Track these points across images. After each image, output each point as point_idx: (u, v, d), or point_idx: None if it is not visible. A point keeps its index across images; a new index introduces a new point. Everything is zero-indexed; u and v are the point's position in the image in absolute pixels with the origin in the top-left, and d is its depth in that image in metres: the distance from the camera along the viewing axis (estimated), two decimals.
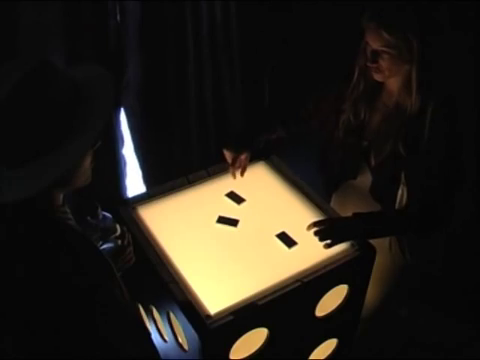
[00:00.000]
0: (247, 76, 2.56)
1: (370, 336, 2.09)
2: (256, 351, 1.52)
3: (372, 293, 1.82)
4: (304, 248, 1.63)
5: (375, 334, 2.13)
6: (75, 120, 1.09)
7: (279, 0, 2.47)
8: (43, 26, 1.90)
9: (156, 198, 1.79)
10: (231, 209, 1.76)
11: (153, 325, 1.73)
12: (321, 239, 1.59)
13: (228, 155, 1.85)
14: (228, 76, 2.50)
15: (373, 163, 1.77)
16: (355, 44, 1.68)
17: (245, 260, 1.60)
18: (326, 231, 1.60)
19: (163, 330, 1.68)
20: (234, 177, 1.87)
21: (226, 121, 2.61)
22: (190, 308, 1.42)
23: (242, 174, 1.89)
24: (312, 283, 1.51)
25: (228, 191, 1.82)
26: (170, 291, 1.46)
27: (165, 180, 1.86)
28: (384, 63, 1.59)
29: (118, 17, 2.09)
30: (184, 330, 1.45)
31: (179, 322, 1.47)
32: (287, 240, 1.65)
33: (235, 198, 1.80)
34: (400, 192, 1.72)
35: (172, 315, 1.52)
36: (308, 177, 1.90)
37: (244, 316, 1.42)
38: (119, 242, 1.44)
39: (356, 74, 1.72)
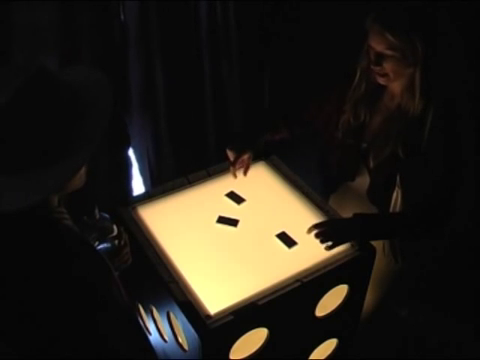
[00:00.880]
0: (247, 76, 2.56)
1: (370, 336, 2.09)
2: (256, 351, 1.52)
3: (371, 293, 1.82)
4: (304, 248, 1.63)
5: (375, 334, 2.13)
6: (74, 130, 1.09)
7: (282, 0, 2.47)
8: (42, 27, 1.90)
9: (156, 198, 1.79)
10: (231, 209, 1.76)
11: (153, 325, 1.73)
12: (322, 241, 1.59)
13: (231, 155, 1.85)
14: (228, 76, 2.50)
15: (371, 165, 1.77)
16: (357, 44, 1.68)
17: (245, 260, 1.60)
18: (326, 233, 1.60)
19: (163, 330, 1.68)
20: (235, 177, 1.87)
21: (227, 121, 2.61)
22: (190, 308, 1.42)
23: (245, 173, 1.88)
24: (312, 283, 1.51)
25: (228, 191, 1.82)
26: (170, 291, 1.46)
27: (167, 180, 1.87)
28: (388, 66, 1.58)
29: (122, 17, 2.09)
30: (184, 330, 1.45)
31: (179, 322, 1.47)
32: (287, 240, 1.65)
33: (235, 198, 1.80)
34: (395, 195, 1.72)
35: (172, 315, 1.52)
36: (308, 177, 1.90)
37: (244, 316, 1.42)
38: (116, 242, 1.44)
39: (358, 76, 1.71)
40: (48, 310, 1.08)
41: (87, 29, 1.99)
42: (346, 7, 2.34)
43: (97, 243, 1.41)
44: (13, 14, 1.83)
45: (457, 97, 1.71)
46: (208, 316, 1.41)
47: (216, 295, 1.48)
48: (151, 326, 1.76)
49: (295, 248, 1.63)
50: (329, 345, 1.80)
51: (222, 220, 1.71)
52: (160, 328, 1.70)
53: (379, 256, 1.77)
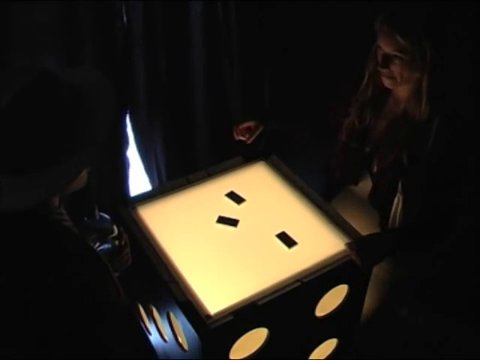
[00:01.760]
0: (248, 76, 2.56)
1: (370, 336, 2.09)
2: (256, 351, 1.52)
3: (372, 293, 1.82)
4: (304, 248, 1.63)
5: (375, 334, 2.13)
6: (77, 131, 1.09)
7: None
8: (44, 27, 1.90)
9: (156, 198, 1.79)
10: (231, 209, 1.76)
11: (153, 325, 1.73)
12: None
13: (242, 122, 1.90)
14: (229, 76, 2.51)
15: (375, 170, 1.75)
16: (359, 45, 1.66)
17: (245, 260, 1.60)
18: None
19: (163, 330, 1.68)
20: (236, 138, 1.92)
21: (227, 121, 2.61)
22: (190, 308, 1.42)
23: (248, 141, 1.91)
24: (312, 283, 1.51)
25: (228, 191, 1.82)
26: (170, 291, 1.46)
27: (169, 180, 1.87)
28: (395, 68, 1.55)
29: (125, 17, 2.09)
30: (184, 330, 1.45)
31: (179, 322, 1.47)
32: (287, 240, 1.65)
33: (235, 198, 1.80)
34: (396, 200, 1.71)
35: (172, 315, 1.52)
36: (309, 178, 1.90)
37: (244, 316, 1.42)
38: (116, 243, 1.44)
39: (366, 78, 1.69)
40: (44, 311, 1.08)
41: (90, 29, 1.99)
42: (346, 7, 2.35)
43: (97, 244, 1.41)
44: (14, 14, 1.83)
45: (463, 104, 1.69)
46: (208, 316, 1.41)
47: (216, 295, 1.48)
48: (151, 326, 1.76)
49: (295, 248, 1.63)
50: (329, 345, 1.80)
51: (222, 220, 1.71)
52: (160, 328, 1.70)
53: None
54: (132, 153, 2.41)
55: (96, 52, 2.05)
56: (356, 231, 1.67)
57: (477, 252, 2.59)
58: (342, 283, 1.62)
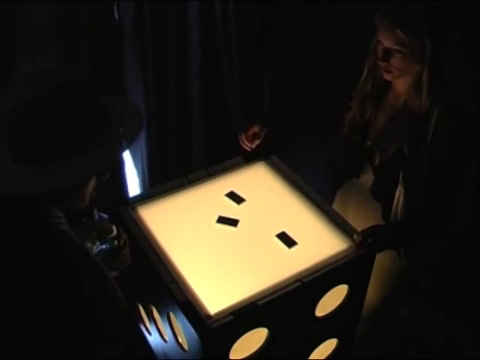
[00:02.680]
0: (248, 76, 2.56)
1: (370, 336, 2.09)
2: (256, 351, 1.52)
3: (372, 293, 1.82)
4: (304, 248, 1.63)
5: (375, 334, 2.13)
6: (99, 136, 1.11)
7: None
8: (39, 26, 1.90)
9: (156, 198, 1.79)
10: (231, 209, 1.76)
11: (153, 325, 1.73)
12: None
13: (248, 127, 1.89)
14: (229, 76, 2.50)
15: (376, 163, 1.77)
16: (358, 43, 1.67)
17: (245, 260, 1.60)
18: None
19: (163, 330, 1.68)
20: (244, 146, 1.91)
21: (227, 121, 2.61)
22: (190, 308, 1.42)
23: (253, 145, 1.91)
24: (312, 283, 1.51)
25: (228, 191, 1.82)
26: (170, 291, 1.46)
27: (165, 180, 1.87)
28: (396, 62, 1.57)
29: (116, 16, 2.09)
30: (184, 330, 1.45)
31: (179, 322, 1.47)
32: (287, 240, 1.65)
33: (235, 198, 1.80)
34: (397, 193, 1.72)
35: (172, 315, 1.52)
36: (309, 178, 1.90)
37: (244, 316, 1.42)
38: (115, 243, 1.44)
39: (365, 72, 1.70)
40: (42, 312, 1.08)
41: (82, 29, 1.99)
42: (345, 4, 2.34)
43: (96, 243, 1.40)
44: (12, 14, 1.83)
45: (463, 97, 1.70)
46: (208, 316, 1.41)
47: (216, 295, 1.48)
48: (151, 326, 1.76)
49: (295, 248, 1.63)
50: (329, 345, 1.80)
51: (222, 220, 1.71)
52: (160, 328, 1.70)
53: (382, 252, 1.77)
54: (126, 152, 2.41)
55: (88, 52, 2.05)
56: (356, 231, 1.68)
57: (477, 252, 2.59)
58: (342, 283, 1.62)
